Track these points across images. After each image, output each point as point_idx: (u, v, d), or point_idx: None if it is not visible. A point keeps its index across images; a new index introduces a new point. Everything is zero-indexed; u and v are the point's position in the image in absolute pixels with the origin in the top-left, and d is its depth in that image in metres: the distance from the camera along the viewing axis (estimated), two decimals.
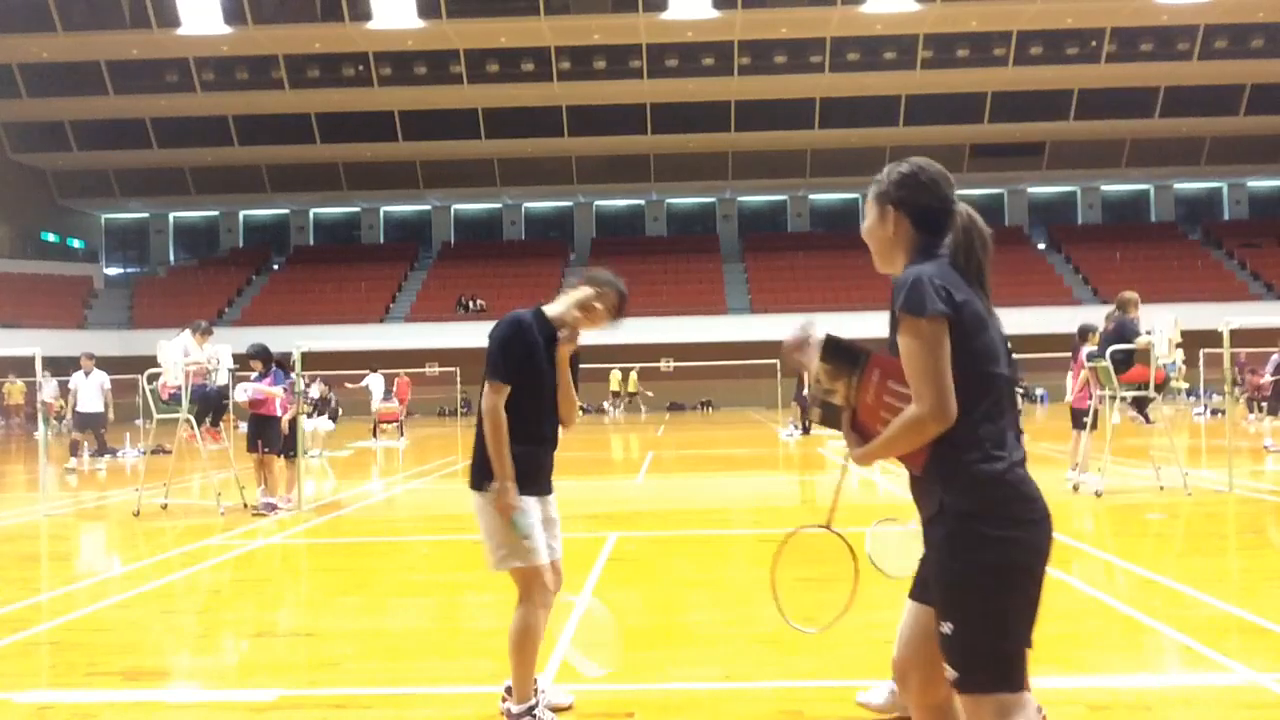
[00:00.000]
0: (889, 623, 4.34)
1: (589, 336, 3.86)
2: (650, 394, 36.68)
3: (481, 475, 3.67)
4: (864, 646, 4.75)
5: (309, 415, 17.42)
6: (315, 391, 10.30)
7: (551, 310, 3.79)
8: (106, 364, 17.04)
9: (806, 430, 20.70)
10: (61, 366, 18.30)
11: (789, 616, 2.85)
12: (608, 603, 5.70)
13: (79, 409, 16.32)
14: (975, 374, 2.28)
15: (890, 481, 11.03)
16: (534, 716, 3.70)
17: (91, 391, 16.22)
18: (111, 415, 16.92)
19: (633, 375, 35.73)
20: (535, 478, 3.71)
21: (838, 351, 2.41)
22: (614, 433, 25.34)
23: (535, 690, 3.80)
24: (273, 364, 10.38)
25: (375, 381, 23.39)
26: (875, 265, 2.61)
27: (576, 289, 3.78)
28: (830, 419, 2.47)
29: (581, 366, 3.96)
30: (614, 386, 35.73)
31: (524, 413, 3.65)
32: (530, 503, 3.67)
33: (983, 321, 2.34)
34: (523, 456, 3.64)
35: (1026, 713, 2.25)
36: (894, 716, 3.84)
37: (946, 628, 2.23)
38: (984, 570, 2.20)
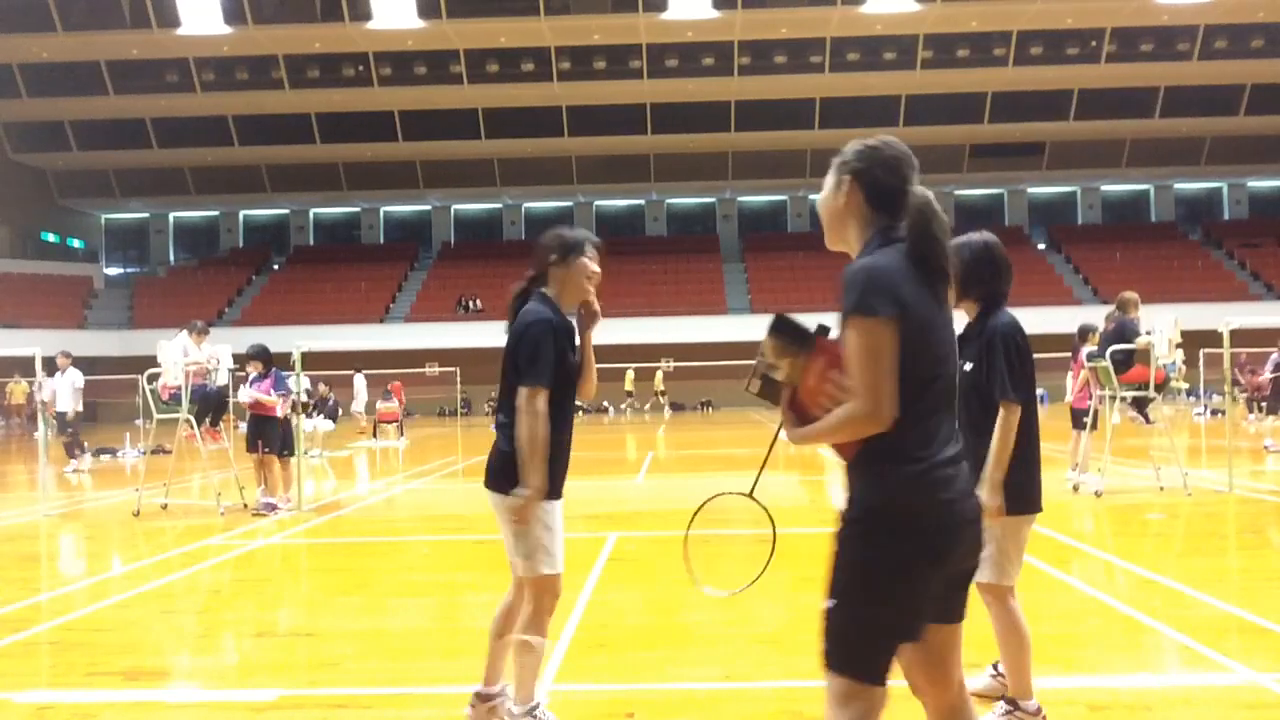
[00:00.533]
0: None
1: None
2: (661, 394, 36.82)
3: (508, 478, 3.50)
4: None
5: (308, 415, 17.41)
6: (301, 385, 10.32)
7: (555, 294, 3.63)
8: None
9: None
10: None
11: (700, 580, 2.88)
12: (608, 602, 5.69)
13: (57, 409, 15.89)
14: (914, 377, 2.25)
15: None
16: (535, 717, 3.69)
17: (65, 391, 15.79)
18: (79, 408, 16.33)
19: (658, 374, 36.03)
20: (564, 478, 3.60)
21: (786, 329, 2.40)
22: (614, 433, 25.34)
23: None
24: (273, 365, 10.39)
25: (359, 381, 23.58)
26: (825, 240, 2.52)
27: (562, 264, 3.61)
28: (769, 393, 2.46)
29: (596, 366, 3.83)
30: (628, 386, 35.87)
31: (555, 412, 3.49)
32: (558, 506, 3.59)
33: (928, 323, 2.28)
34: (557, 458, 3.52)
35: (872, 705, 2.27)
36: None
37: (828, 603, 2.30)
38: (870, 564, 2.24)
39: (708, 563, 2.93)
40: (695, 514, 3.00)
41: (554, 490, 3.53)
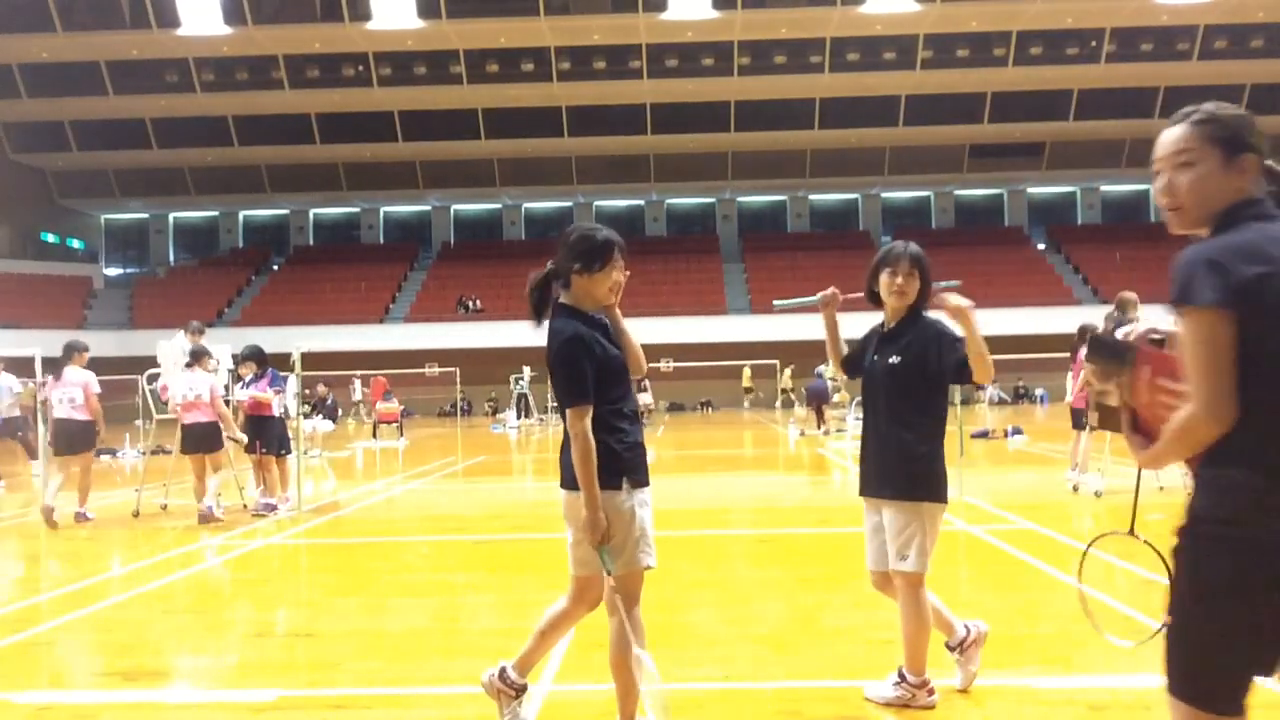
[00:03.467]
0: (888, 623, 4.35)
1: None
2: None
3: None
4: (863, 646, 4.76)
5: (307, 415, 17.40)
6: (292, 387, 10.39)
7: (575, 300, 3.49)
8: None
9: (826, 431, 20.73)
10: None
11: (1103, 629, 2.60)
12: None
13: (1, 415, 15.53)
14: (1265, 368, 1.99)
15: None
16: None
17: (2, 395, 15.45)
18: (16, 411, 15.99)
19: (745, 371, 36.38)
20: (637, 470, 3.48)
21: (1102, 349, 2.26)
22: None
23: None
24: (268, 366, 10.39)
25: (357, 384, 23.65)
26: (1170, 225, 2.22)
27: (585, 274, 3.45)
28: (1110, 422, 2.28)
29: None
30: (745, 383, 36.47)
31: (613, 409, 3.44)
32: (647, 495, 3.51)
33: None
34: (630, 447, 3.46)
35: None
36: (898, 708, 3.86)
37: (1166, 620, 2.15)
38: (1209, 580, 2.05)
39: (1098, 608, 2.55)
40: (1083, 559, 2.79)
41: (640, 479, 3.46)
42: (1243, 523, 2.00)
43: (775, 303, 4.45)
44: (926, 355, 3.80)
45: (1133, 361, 2.19)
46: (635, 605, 3.48)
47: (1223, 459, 2.03)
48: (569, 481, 3.47)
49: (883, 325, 4.02)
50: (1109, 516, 8.77)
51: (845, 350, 4.19)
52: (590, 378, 3.36)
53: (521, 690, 3.73)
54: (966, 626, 4.09)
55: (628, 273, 3.55)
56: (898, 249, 3.90)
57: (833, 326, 4.19)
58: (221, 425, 9.86)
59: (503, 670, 3.71)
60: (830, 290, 4.15)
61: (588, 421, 3.34)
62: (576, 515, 3.43)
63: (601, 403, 3.39)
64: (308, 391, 20.14)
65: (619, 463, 3.40)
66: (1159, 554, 2.41)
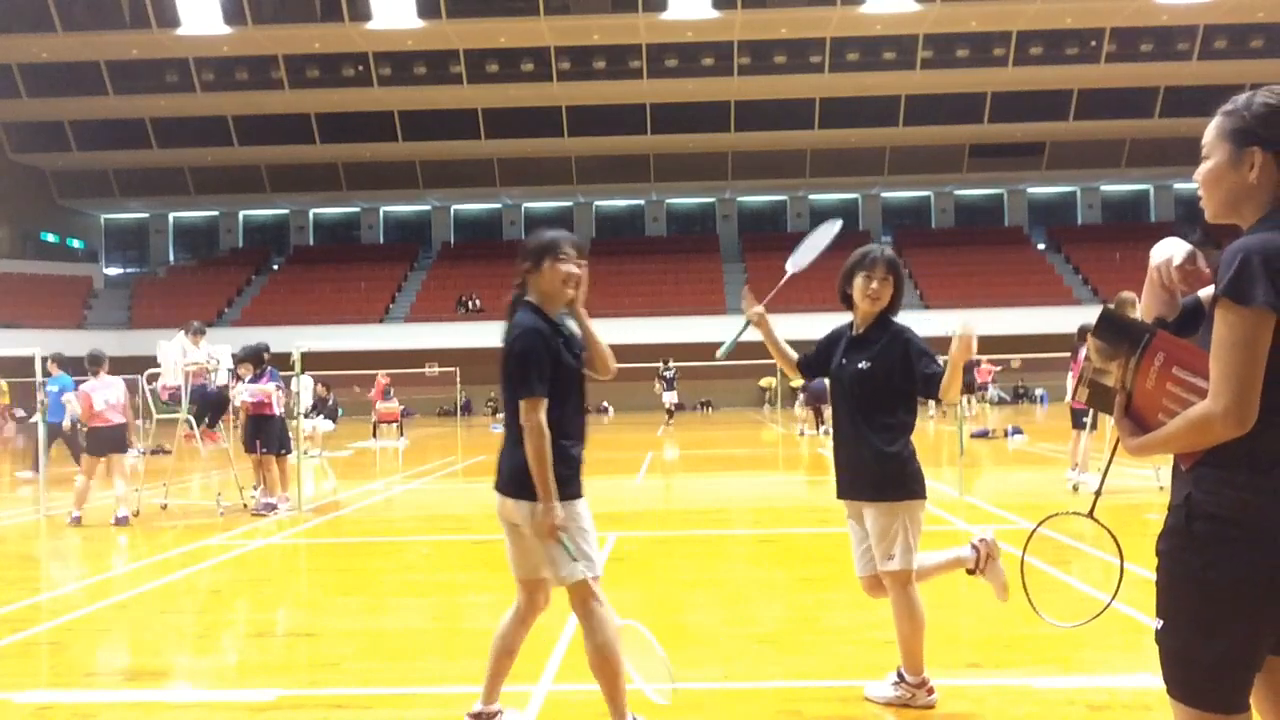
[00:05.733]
0: (887, 622, 4.34)
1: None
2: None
3: (523, 485, 3.39)
4: (863, 646, 4.76)
5: (307, 415, 17.39)
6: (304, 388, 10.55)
7: (538, 300, 3.53)
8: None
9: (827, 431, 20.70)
10: (61, 367, 18.23)
11: (1041, 610, 2.56)
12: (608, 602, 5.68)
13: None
14: None
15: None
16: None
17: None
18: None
19: (768, 379, 36.36)
20: (579, 477, 3.51)
21: (1115, 327, 2.14)
22: (613, 433, 25.35)
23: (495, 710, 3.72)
24: (265, 366, 10.40)
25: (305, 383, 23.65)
26: (1210, 214, 2.18)
27: (535, 271, 3.50)
28: (1100, 401, 2.21)
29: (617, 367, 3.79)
30: (762, 383, 36.34)
31: (561, 412, 3.43)
32: (584, 505, 3.50)
33: None
34: (571, 456, 3.46)
35: None
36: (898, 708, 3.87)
37: (1157, 624, 2.13)
38: (1212, 581, 2.02)
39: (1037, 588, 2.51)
40: (1030, 536, 2.74)
41: (574, 489, 3.45)
42: (1249, 523, 1.99)
43: (718, 354, 4.52)
44: (897, 363, 3.81)
45: (1147, 345, 2.10)
46: (592, 600, 3.44)
47: (1231, 459, 2.01)
48: (506, 485, 3.46)
49: (851, 328, 4.01)
50: (1108, 516, 8.73)
51: (794, 354, 4.20)
52: (546, 370, 3.34)
53: (496, 714, 3.73)
54: (974, 547, 4.09)
55: (583, 265, 3.54)
56: (874, 253, 3.89)
57: (771, 338, 4.20)
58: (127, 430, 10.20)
59: (475, 715, 3.71)
60: (754, 310, 4.12)
61: (542, 414, 3.31)
62: (511, 516, 3.47)
63: (550, 409, 3.35)
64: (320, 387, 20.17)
65: (572, 469, 3.44)
66: (1114, 538, 2.49)
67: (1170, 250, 2.25)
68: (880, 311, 3.89)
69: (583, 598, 3.43)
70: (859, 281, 3.87)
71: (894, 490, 3.81)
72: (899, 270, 3.91)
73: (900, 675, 3.94)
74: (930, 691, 3.90)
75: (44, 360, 11.37)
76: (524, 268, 3.53)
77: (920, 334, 3.92)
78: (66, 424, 14.74)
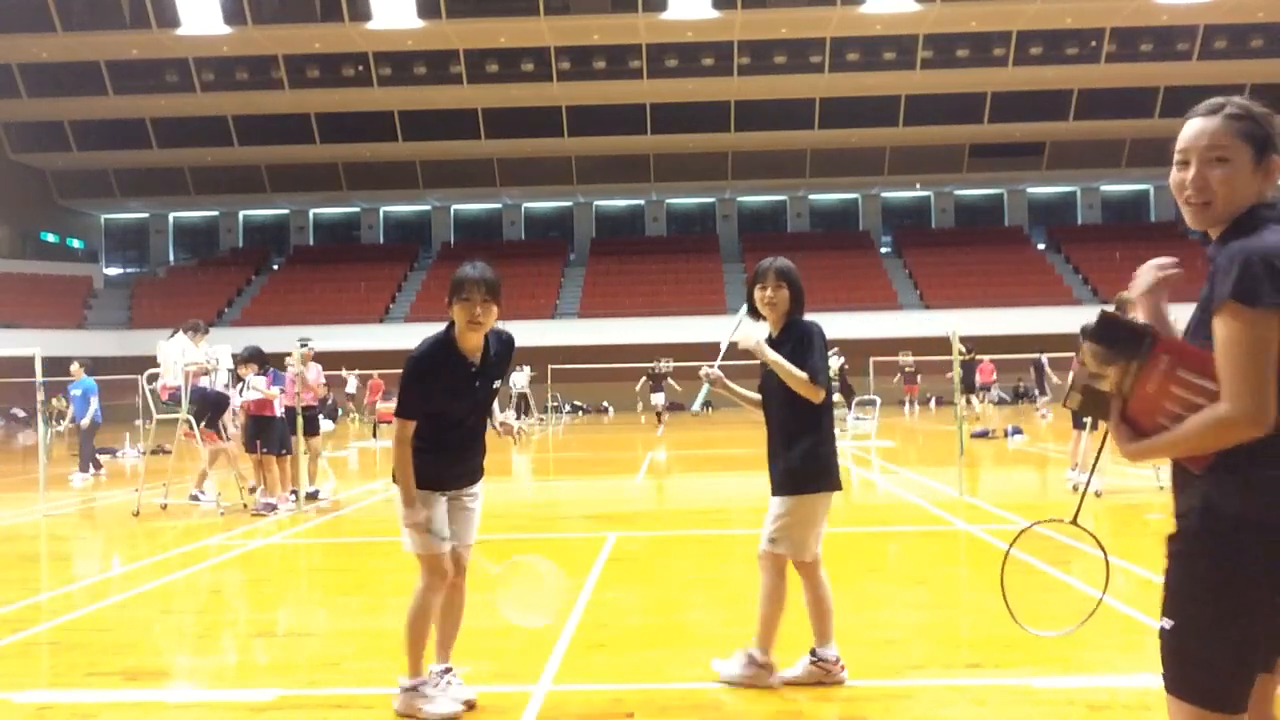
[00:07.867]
0: (887, 622, 4.36)
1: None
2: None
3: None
4: (862, 646, 4.75)
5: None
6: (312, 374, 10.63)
7: (459, 332, 3.91)
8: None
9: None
10: (61, 367, 18.27)
11: (1022, 620, 2.54)
12: (608, 602, 5.69)
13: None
14: None
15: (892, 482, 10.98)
16: (420, 692, 3.94)
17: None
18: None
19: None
20: (441, 480, 4.05)
21: (1115, 331, 2.09)
22: (613, 433, 25.35)
23: (444, 671, 4.07)
24: (268, 366, 10.41)
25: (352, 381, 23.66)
26: (1192, 220, 2.18)
27: (451, 306, 3.88)
28: (1094, 407, 2.16)
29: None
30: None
31: (436, 427, 3.93)
32: (434, 497, 4.04)
33: None
34: (440, 459, 4.01)
35: None
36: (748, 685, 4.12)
37: (1166, 623, 2.11)
38: (1224, 581, 2.02)
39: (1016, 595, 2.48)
40: (1014, 541, 2.70)
41: (437, 483, 4.01)
42: (1272, 523, 1.98)
43: (691, 411, 5.06)
44: (797, 361, 4.14)
45: (1150, 348, 2.06)
46: (432, 576, 4.24)
47: (1250, 459, 2.00)
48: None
49: (769, 335, 4.37)
50: (1109, 516, 8.76)
51: (755, 395, 4.48)
52: (419, 399, 3.84)
53: (423, 682, 4.01)
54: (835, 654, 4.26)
55: (489, 306, 3.82)
56: (764, 265, 4.30)
57: (733, 393, 4.54)
58: None
59: (405, 689, 4.01)
60: (710, 373, 4.43)
61: (408, 432, 3.85)
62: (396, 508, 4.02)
63: (429, 418, 3.88)
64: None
65: (432, 471, 3.96)
66: (1099, 543, 2.50)
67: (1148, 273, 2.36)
68: (786, 314, 4.27)
69: (427, 567, 4.23)
70: (758, 293, 4.27)
71: (792, 485, 4.12)
72: (791, 276, 4.28)
73: (814, 653, 4.23)
74: (772, 671, 4.17)
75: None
76: (456, 308, 3.86)
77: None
78: (86, 423, 14.80)
